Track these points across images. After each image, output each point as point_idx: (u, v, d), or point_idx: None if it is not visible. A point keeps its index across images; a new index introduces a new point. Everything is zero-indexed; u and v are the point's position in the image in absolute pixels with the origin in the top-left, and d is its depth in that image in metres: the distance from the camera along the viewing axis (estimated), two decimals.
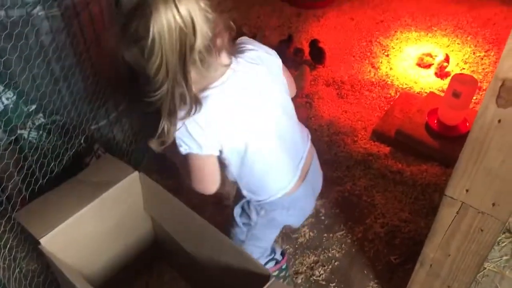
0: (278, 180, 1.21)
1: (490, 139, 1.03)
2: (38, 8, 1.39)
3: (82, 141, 1.60)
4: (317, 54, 2.40)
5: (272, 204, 1.23)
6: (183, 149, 1.06)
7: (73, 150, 1.55)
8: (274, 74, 1.16)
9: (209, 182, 1.14)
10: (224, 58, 1.04)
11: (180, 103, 1.00)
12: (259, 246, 1.39)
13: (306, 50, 2.45)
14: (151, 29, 0.91)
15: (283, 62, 1.19)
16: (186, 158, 1.09)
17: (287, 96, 1.21)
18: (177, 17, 0.91)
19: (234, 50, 1.10)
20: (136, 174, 1.37)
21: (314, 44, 2.42)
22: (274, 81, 1.16)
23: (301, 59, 2.42)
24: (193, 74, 0.98)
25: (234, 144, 1.11)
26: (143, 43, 0.93)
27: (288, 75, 1.23)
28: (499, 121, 1.00)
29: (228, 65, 1.06)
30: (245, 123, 1.10)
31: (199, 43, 0.95)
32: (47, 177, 1.42)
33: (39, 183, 1.40)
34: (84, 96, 1.69)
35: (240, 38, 1.17)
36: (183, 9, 0.91)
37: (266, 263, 1.49)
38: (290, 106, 1.23)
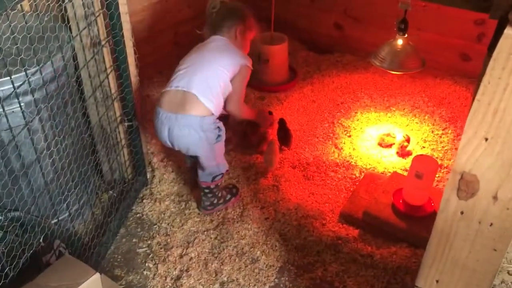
0: None
1: (455, 231, 1.04)
2: None
3: (41, 240, 1.53)
4: (284, 137, 2.45)
5: None
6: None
7: (31, 251, 1.48)
8: None
9: None
10: None
11: None
12: None
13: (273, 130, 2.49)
14: None
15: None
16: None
17: None
18: None
19: None
20: (97, 276, 1.31)
21: (281, 124, 2.47)
22: None
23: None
24: None
25: None
26: None
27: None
28: (462, 212, 1.02)
29: None
30: None
31: None
32: (0, 283, 1.33)
33: None
34: (45, 191, 1.64)
35: None
36: None
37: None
38: None
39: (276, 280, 1.81)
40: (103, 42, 1.79)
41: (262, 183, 2.25)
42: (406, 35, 2.09)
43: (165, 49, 2.94)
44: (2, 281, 1.32)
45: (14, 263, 1.38)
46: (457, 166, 0.97)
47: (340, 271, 1.83)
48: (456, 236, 1.04)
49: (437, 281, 1.12)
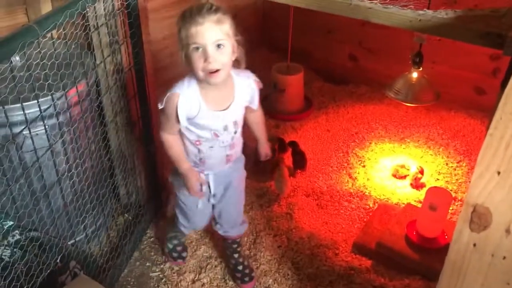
0: None
1: (467, 263, 1.04)
2: (23, 128, 1.42)
3: (58, 260, 1.56)
4: (299, 160, 2.47)
5: None
6: None
7: (48, 270, 1.51)
8: None
9: None
10: None
11: None
12: None
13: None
14: None
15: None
16: None
17: None
18: None
19: None
20: None
21: (294, 148, 2.49)
22: None
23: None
24: None
25: None
26: None
27: None
28: (474, 245, 1.03)
29: None
30: None
31: None
32: None
33: None
34: (63, 213, 1.68)
35: None
36: None
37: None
38: None
39: None
40: (125, 69, 1.85)
41: (276, 211, 2.26)
42: (421, 68, 2.13)
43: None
44: None
45: (32, 282, 1.41)
46: (469, 199, 0.99)
47: None
48: (469, 269, 1.05)
49: None
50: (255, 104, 1.63)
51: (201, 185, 1.64)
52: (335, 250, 2.05)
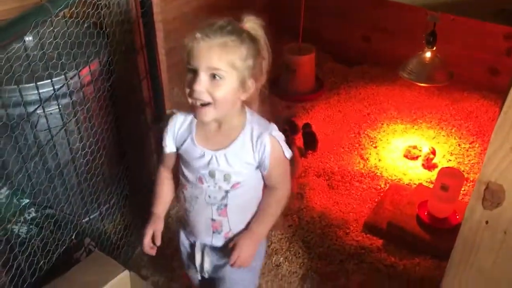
0: None
1: (479, 240, 1.04)
2: (37, 107, 1.44)
3: (73, 237, 1.59)
4: (311, 141, 2.48)
5: None
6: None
7: (64, 247, 1.54)
8: None
9: None
10: None
11: None
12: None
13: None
14: None
15: None
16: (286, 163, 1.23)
17: None
18: None
19: None
20: (126, 273, 1.35)
21: (307, 129, 2.51)
22: None
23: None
24: None
25: None
26: None
27: None
28: (487, 222, 1.03)
29: None
30: None
31: None
32: (35, 276, 1.39)
33: (27, 282, 1.38)
34: (78, 191, 1.70)
35: None
36: None
37: None
38: None
39: (299, 286, 1.83)
40: (137, 49, 1.85)
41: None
42: (434, 48, 2.10)
43: None
44: (37, 274, 1.38)
45: (48, 257, 1.44)
46: (483, 176, 0.98)
47: (362, 281, 1.83)
48: (481, 246, 1.05)
49: None
50: (267, 170, 1.19)
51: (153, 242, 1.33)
52: (346, 229, 2.06)
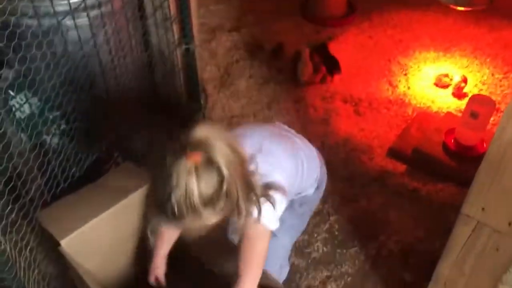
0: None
1: (507, 159, 1.03)
2: (68, 17, 1.44)
3: (103, 148, 1.64)
4: (334, 63, 2.44)
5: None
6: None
7: (94, 156, 1.59)
8: None
9: None
10: None
11: None
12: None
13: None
14: None
15: None
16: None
17: None
18: None
19: None
20: None
21: (325, 50, 2.49)
22: None
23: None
24: None
25: None
26: None
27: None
28: None
29: None
30: None
31: None
32: (68, 181, 1.45)
33: (61, 186, 1.44)
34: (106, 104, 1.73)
35: None
36: None
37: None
38: None
39: (319, 206, 1.86)
40: None
41: (312, 116, 2.27)
42: None
43: None
44: (70, 179, 1.44)
45: (80, 165, 1.49)
46: None
47: (383, 204, 1.86)
48: (509, 165, 1.04)
49: (483, 209, 1.13)
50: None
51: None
52: (370, 155, 2.07)
